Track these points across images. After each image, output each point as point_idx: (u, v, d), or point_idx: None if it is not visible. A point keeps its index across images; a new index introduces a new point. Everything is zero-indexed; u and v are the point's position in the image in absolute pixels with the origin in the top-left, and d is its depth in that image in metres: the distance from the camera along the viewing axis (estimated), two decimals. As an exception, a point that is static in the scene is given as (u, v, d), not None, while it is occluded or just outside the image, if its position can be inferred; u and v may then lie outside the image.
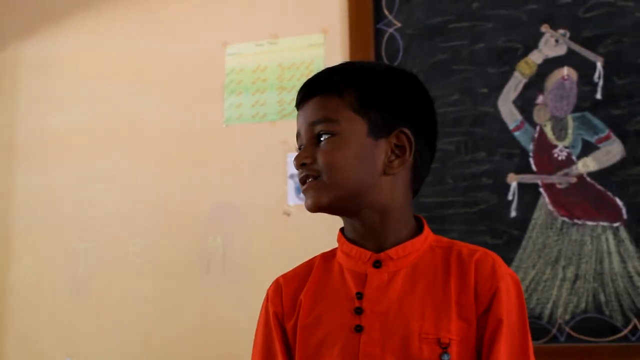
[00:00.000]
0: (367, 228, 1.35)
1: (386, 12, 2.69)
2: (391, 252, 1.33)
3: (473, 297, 1.29)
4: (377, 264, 1.33)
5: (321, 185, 1.32)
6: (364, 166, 1.32)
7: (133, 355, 2.84)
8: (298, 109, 1.38)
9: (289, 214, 2.73)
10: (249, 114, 2.84)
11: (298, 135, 1.38)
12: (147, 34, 3.00)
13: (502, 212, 2.48)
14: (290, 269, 2.90)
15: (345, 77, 1.35)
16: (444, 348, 1.26)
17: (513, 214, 2.48)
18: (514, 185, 2.49)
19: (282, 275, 1.44)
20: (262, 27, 2.85)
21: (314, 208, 1.33)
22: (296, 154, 1.36)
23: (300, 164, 1.33)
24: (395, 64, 2.64)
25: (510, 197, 2.49)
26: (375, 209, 1.34)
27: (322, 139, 1.33)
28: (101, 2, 3.07)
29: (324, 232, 2.66)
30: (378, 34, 2.69)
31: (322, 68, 2.79)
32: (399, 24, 2.67)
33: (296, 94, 1.39)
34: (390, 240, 1.34)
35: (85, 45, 3.08)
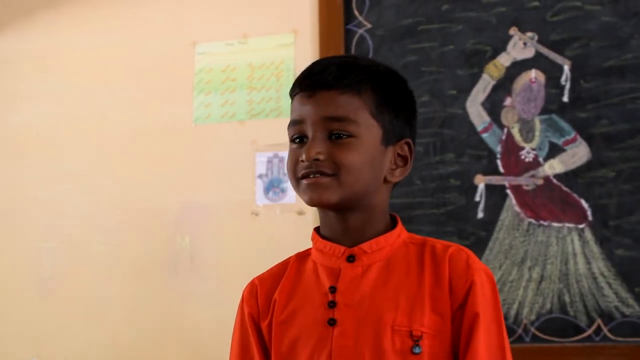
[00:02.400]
0: (347, 226, 1.34)
1: (356, 13, 2.70)
2: (364, 246, 1.33)
3: (448, 291, 1.29)
4: (351, 258, 1.33)
5: (334, 184, 1.30)
6: (373, 172, 1.32)
7: (99, 356, 2.81)
8: (301, 95, 1.34)
9: (257, 214, 2.72)
10: (218, 113, 2.83)
11: (298, 122, 1.33)
12: (116, 32, 2.98)
13: (469, 213, 2.49)
14: (258, 268, 2.89)
15: (363, 76, 1.33)
16: (416, 341, 1.26)
17: (480, 215, 2.49)
18: (481, 186, 2.50)
19: (257, 277, 1.43)
20: (232, 27, 2.85)
21: (320, 204, 1.31)
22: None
23: (313, 158, 1.29)
24: (365, 65, 2.65)
25: (477, 199, 2.50)
26: (365, 211, 1.34)
27: (336, 136, 1.30)
28: (70, -1, 3.05)
29: (292, 232, 2.67)
30: (348, 34, 2.69)
31: (292, 68, 2.81)
32: (369, 25, 2.68)
33: (285, 88, 1.36)
34: (366, 238, 1.34)
35: (52, 43, 3.05)
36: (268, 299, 1.38)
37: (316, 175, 1.30)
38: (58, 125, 2.99)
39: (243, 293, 1.42)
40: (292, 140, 1.35)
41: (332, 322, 1.30)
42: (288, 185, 2.69)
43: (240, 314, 1.40)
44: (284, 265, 1.42)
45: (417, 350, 1.26)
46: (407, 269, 1.32)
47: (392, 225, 1.38)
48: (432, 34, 2.61)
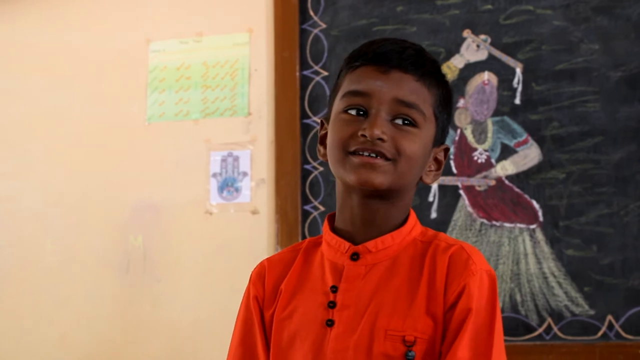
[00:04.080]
0: (368, 216, 1.30)
1: (312, 13, 2.70)
2: (369, 244, 1.29)
3: (442, 294, 1.24)
4: (355, 257, 1.30)
5: (390, 169, 1.26)
6: (421, 168, 1.31)
7: (50, 356, 2.78)
8: (372, 68, 1.30)
9: (211, 213, 2.71)
10: (172, 111, 2.81)
11: (363, 95, 1.28)
12: (69, 28, 2.94)
13: (423, 213, 2.51)
14: (211, 268, 2.87)
15: (433, 70, 1.32)
16: (409, 346, 1.23)
17: (434, 215, 2.52)
18: (434, 187, 2.53)
19: (267, 258, 1.39)
20: (186, 25, 2.83)
21: (368, 185, 1.26)
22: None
23: (377, 137, 1.25)
24: (320, 65, 2.66)
25: (431, 199, 2.53)
26: (393, 204, 1.31)
27: (399, 121, 1.27)
28: (21, -6, 3.00)
29: (246, 231, 2.66)
30: (303, 34, 2.70)
31: (247, 67, 2.81)
32: (324, 25, 2.69)
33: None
34: (382, 232, 1.31)
35: (6, 39, 3.00)
36: (275, 287, 1.35)
37: (372, 155, 1.25)
38: (10, 122, 2.94)
39: (251, 274, 1.39)
40: (345, 111, 1.29)
41: (329, 323, 1.27)
42: (242, 184, 2.68)
43: (247, 295, 1.37)
44: (294, 251, 1.38)
45: (410, 355, 1.22)
46: (410, 270, 1.28)
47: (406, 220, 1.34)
48: (387, 35, 2.62)
